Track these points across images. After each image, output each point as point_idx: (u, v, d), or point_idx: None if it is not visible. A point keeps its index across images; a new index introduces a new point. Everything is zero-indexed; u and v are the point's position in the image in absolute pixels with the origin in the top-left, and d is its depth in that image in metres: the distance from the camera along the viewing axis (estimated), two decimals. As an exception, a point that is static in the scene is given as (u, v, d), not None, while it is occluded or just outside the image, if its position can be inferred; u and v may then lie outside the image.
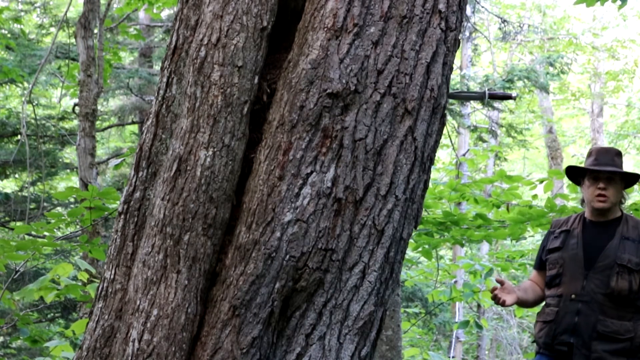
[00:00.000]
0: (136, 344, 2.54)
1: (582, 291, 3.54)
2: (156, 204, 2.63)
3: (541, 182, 6.01)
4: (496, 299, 3.61)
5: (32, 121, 11.07)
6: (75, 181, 14.60)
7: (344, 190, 2.52)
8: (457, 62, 14.95)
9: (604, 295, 3.50)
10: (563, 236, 3.70)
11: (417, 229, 5.58)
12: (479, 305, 13.48)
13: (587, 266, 3.56)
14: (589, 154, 3.75)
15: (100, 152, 15.48)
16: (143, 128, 2.95)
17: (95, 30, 8.73)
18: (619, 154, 3.71)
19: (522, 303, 3.80)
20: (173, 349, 2.51)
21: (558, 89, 21.47)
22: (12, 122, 12.14)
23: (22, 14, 13.44)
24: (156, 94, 2.84)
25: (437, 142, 2.73)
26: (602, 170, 3.60)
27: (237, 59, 2.61)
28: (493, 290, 3.63)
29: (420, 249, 6.66)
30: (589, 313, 3.51)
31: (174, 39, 2.82)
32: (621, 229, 3.59)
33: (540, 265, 3.83)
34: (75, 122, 11.92)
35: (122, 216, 2.78)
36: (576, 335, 3.53)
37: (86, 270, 5.07)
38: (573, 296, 3.56)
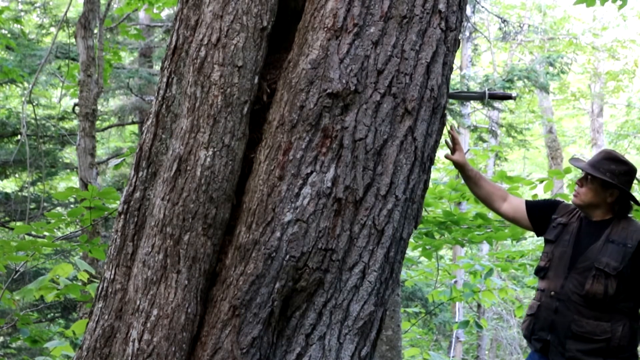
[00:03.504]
0: (136, 344, 2.54)
1: (561, 289, 3.55)
2: (156, 204, 2.63)
3: (541, 182, 6.00)
4: (448, 143, 3.63)
5: (32, 121, 11.06)
6: (75, 181, 14.61)
7: (344, 190, 2.52)
8: (457, 62, 14.96)
9: (580, 296, 3.48)
10: (559, 229, 3.69)
11: (417, 228, 5.58)
12: (479, 305, 13.49)
13: (571, 265, 3.56)
14: None
15: (100, 152, 15.50)
16: (143, 128, 2.95)
17: (95, 30, 8.73)
18: (614, 160, 3.58)
19: (468, 180, 3.80)
20: (173, 349, 2.51)
21: (558, 89, 21.48)
22: (12, 122, 12.14)
23: (22, 14, 13.44)
24: (156, 94, 2.84)
25: (437, 142, 2.74)
26: (577, 166, 3.68)
27: (237, 59, 2.61)
28: (451, 131, 3.62)
29: (420, 249, 6.65)
30: (565, 312, 3.52)
31: (174, 39, 2.82)
32: (609, 231, 3.54)
33: (530, 205, 3.80)
34: (75, 122, 11.93)
35: (122, 216, 2.79)
36: (553, 333, 3.55)
37: (86, 271, 5.07)
38: (553, 293, 3.57)
